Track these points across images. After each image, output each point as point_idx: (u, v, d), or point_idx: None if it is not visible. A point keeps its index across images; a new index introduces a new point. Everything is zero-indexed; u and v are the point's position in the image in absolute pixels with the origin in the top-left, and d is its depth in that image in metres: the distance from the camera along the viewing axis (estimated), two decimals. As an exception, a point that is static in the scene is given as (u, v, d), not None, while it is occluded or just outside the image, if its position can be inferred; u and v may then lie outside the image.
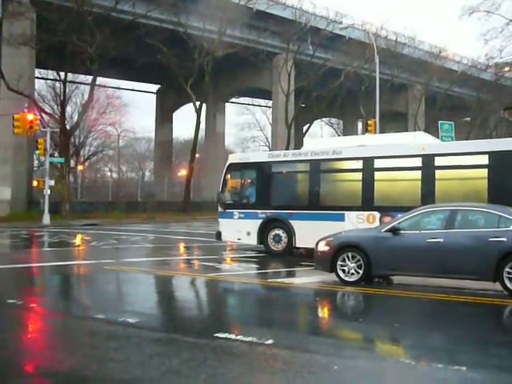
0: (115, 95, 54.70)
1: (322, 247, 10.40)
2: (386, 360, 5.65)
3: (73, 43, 30.97)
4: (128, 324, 6.75)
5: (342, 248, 10.14)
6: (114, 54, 33.57)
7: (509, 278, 8.76)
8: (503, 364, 5.51)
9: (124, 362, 5.29)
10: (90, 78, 37.49)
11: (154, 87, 57.54)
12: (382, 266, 9.83)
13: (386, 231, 9.86)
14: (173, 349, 5.81)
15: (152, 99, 58.09)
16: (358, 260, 9.90)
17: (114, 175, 68.54)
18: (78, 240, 20.63)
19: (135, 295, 9.63)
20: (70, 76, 39.31)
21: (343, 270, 10.05)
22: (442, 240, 9.24)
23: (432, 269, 9.43)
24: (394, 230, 9.72)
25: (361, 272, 9.89)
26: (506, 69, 44.60)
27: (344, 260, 10.04)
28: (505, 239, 8.83)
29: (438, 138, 20.72)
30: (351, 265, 9.97)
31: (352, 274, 9.97)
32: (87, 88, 40.15)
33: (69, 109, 44.88)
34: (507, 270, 8.75)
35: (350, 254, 10.00)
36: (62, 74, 35.59)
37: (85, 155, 58.92)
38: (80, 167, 53.43)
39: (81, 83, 46.32)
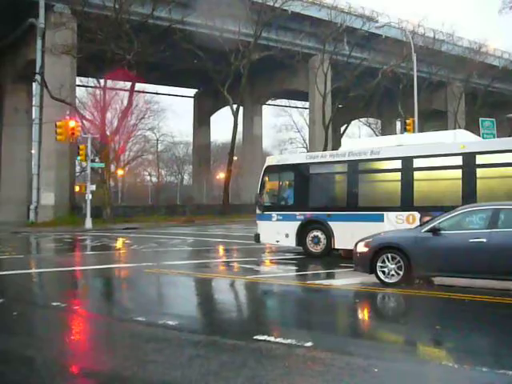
0: (153, 100, 55.80)
1: (361, 248, 10.30)
2: (427, 363, 5.54)
3: (112, 51, 31.67)
4: (168, 326, 6.83)
5: (382, 249, 10.01)
6: (152, 60, 34.17)
7: None
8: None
9: (164, 364, 5.36)
10: (128, 85, 38.18)
11: (192, 91, 58.27)
12: (423, 267, 9.65)
13: (426, 231, 9.68)
14: (212, 351, 5.84)
15: (190, 103, 58.81)
16: (398, 261, 9.76)
17: (154, 179, 69.65)
18: (119, 243, 21.01)
19: (175, 298, 9.74)
20: (110, 83, 40.14)
21: (383, 272, 9.93)
22: (485, 240, 9.01)
23: (475, 269, 9.19)
24: (435, 230, 9.54)
25: (401, 273, 9.75)
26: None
27: (384, 261, 9.91)
28: None
29: (479, 135, 20.23)
30: (391, 266, 9.84)
31: (392, 275, 9.84)
32: (126, 94, 40.87)
33: (109, 115, 45.70)
34: None
35: (389, 255, 9.87)
36: (102, 81, 36.40)
37: (125, 160, 60.00)
38: (120, 172, 54.39)
39: (120, 89, 47.20)
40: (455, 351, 5.96)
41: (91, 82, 45.71)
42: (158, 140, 62.72)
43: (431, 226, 9.72)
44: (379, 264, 9.95)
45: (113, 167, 47.69)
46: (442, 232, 9.49)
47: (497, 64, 51.48)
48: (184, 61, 39.38)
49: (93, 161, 34.01)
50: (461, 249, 9.26)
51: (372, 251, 10.05)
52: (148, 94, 54.17)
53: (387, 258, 9.89)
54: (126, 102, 39.55)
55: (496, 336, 6.66)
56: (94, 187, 32.35)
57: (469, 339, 6.49)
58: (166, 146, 68.63)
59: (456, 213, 9.80)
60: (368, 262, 10.06)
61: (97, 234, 26.20)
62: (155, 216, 37.97)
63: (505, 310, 8.15)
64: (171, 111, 76.22)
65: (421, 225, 10.55)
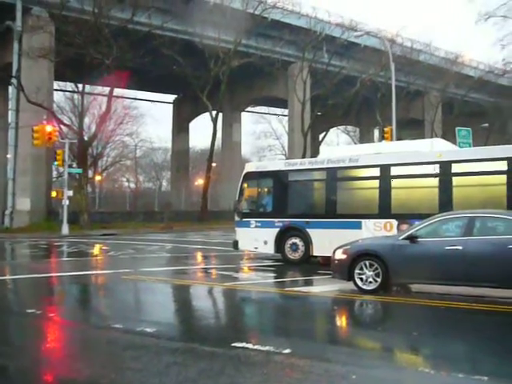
0: (132, 106, 55.33)
1: (339, 255, 10.34)
2: (405, 369, 5.58)
3: (90, 55, 31.41)
4: (146, 333, 6.77)
5: (360, 256, 10.06)
6: (131, 66, 33.96)
7: None
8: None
9: (141, 372, 5.30)
10: (107, 90, 37.91)
11: (171, 97, 58.03)
12: (400, 274, 9.73)
13: (403, 239, 9.77)
14: (190, 358, 5.81)
15: (169, 109, 58.59)
16: (376, 268, 9.82)
17: (132, 185, 69.13)
18: (96, 250, 20.78)
19: (153, 305, 9.66)
20: (88, 87, 39.82)
21: (361, 279, 9.98)
22: (461, 247, 9.12)
23: (451, 277, 9.31)
24: (412, 238, 9.62)
25: (379, 280, 9.81)
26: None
27: (362, 268, 9.96)
28: None
29: (456, 144, 20.54)
30: (369, 273, 9.90)
31: (370, 282, 9.90)
32: (105, 99, 40.53)
33: (87, 120, 45.43)
34: None
35: (367, 263, 9.92)
36: (80, 85, 36.10)
37: (103, 166, 59.48)
38: (98, 178, 53.89)
39: (98, 94, 46.80)
40: (432, 358, 6.01)
41: (69, 86, 45.25)
42: (136, 146, 62.35)
43: (408, 233, 9.82)
44: (357, 271, 9.99)
45: (90, 173, 47.22)
46: (419, 239, 9.57)
47: (473, 74, 52.37)
48: (163, 67, 39.28)
49: (70, 166, 33.58)
50: (437, 256, 9.36)
51: (350, 258, 10.10)
52: (127, 100, 53.82)
53: (365, 265, 9.93)
54: (104, 107, 39.23)
55: (471, 342, 6.75)
56: (71, 193, 31.99)
57: (445, 345, 6.55)
58: (145, 151, 68.27)
59: (433, 220, 9.91)
60: (346, 269, 10.09)
61: (73, 240, 25.89)
62: (133, 222, 37.68)
63: (480, 316, 8.26)
64: (150, 117, 76.07)
65: (398, 232, 10.64)
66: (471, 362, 5.70)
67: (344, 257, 10.22)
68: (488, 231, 9.33)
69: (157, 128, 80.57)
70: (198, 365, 5.51)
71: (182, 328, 7.92)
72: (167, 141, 63.32)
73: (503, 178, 12.46)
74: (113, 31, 32.16)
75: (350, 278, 10.08)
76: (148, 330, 6.92)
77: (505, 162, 12.50)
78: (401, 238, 9.88)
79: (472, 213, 9.72)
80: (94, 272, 14.01)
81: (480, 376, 5.07)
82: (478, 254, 9.04)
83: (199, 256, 19.15)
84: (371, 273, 9.88)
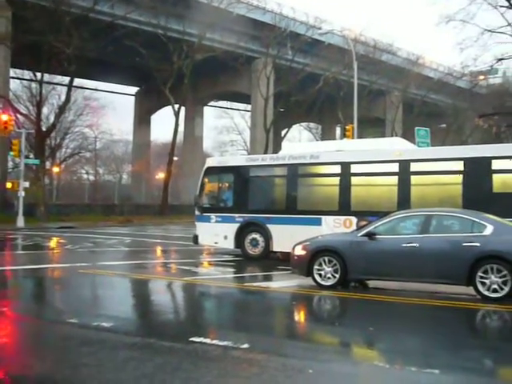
0: (93, 97, 54.27)
1: (299, 251, 10.41)
2: (360, 363, 5.68)
3: (49, 43, 30.61)
4: (102, 328, 6.67)
5: (319, 252, 10.15)
6: (93, 56, 33.36)
7: (481, 283, 8.89)
8: (475, 367, 5.58)
9: (97, 367, 5.22)
10: (67, 79, 37.09)
11: (133, 89, 57.27)
12: (358, 271, 9.88)
13: (362, 236, 9.92)
14: (147, 353, 5.74)
15: (131, 102, 57.80)
16: (335, 264, 9.93)
17: (91, 178, 67.90)
18: (52, 243, 20.34)
19: (110, 299, 9.52)
20: (47, 76, 38.88)
21: (320, 274, 10.06)
22: (417, 245, 9.32)
23: (407, 273, 9.51)
24: (370, 235, 9.77)
25: (337, 276, 9.92)
26: (481, 77, 45.32)
27: (321, 264, 10.05)
28: (478, 244, 8.95)
29: (415, 143, 20.94)
30: (328, 269, 9.99)
31: (328, 278, 9.99)
32: (64, 89, 39.68)
33: (45, 110, 44.26)
34: (480, 274, 8.87)
35: (326, 259, 10.02)
36: (39, 74, 35.17)
37: (61, 157, 58.22)
38: (56, 169, 52.70)
39: (58, 84, 45.74)
40: (387, 352, 6.13)
41: (27, 74, 44.00)
42: (96, 137, 61.19)
43: (367, 230, 9.96)
44: (316, 267, 10.07)
45: (48, 164, 46.16)
46: (378, 236, 9.73)
47: (433, 76, 53.51)
48: (126, 58, 38.75)
49: (27, 157, 32.76)
50: (394, 253, 9.53)
51: (309, 254, 10.18)
52: (87, 90, 52.78)
53: (324, 261, 10.03)
54: (63, 97, 38.40)
55: (425, 337, 6.90)
56: (27, 184, 31.18)
57: (400, 340, 6.69)
58: (105, 143, 67.02)
59: (391, 218, 10.08)
60: (305, 265, 10.17)
61: (29, 232, 25.26)
62: (92, 215, 37.05)
63: (434, 311, 8.46)
64: (111, 108, 74.37)
65: (357, 229, 10.78)
66: (424, 356, 5.82)
67: (303, 253, 10.29)
68: (444, 229, 9.56)
69: (118, 120, 79.49)
70: (155, 360, 5.46)
71: (140, 323, 7.84)
72: (128, 133, 62.53)
73: (459, 178, 12.78)
74: (74, 19, 31.42)
75: (309, 273, 10.16)
76: (105, 324, 6.82)
77: (461, 163, 12.83)
78: (359, 234, 10.02)
79: (429, 211, 9.96)
80: (49, 266, 13.71)
81: (432, 369, 5.20)
82: (433, 252, 9.25)
83: (159, 250, 18.99)
84: (330, 269, 9.97)
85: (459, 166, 12.88)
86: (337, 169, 14.26)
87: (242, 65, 42.05)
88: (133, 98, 57.35)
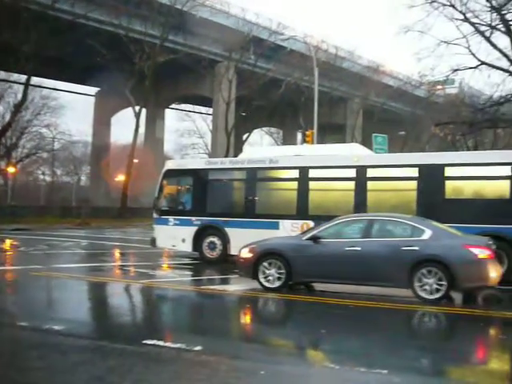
0: (51, 96, 53.17)
1: (245, 254, 10.50)
2: (311, 365, 5.78)
3: (6, 40, 29.82)
4: (53, 331, 6.56)
5: (264, 255, 10.26)
6: (52, 54, 32.70)
7: (419, 285, 9.19)
8: (418, 366, 5.76)
9: (46, 370, 5.15)
10: (24, 77, 36.24)
11: (93, 90, 56.33)
12: (303, 273, 10.04)
13: (306, 239, 10.11)
14: (99, 356, 5.70)
15: (90, 102, 56.85)
16: (280, 267, 10.06)
17: (48, 179, 66.45)
18: (5, 245, 19.78)
19: (63, 302, 9.38)
20: (3, 74, 37.91)
21: (265, 277, 10.16)
22: (359, 248, 9.58)
23: (350, 276, 9.74)
24: (315, 239, 9.97)
25: (282, 279, 10.04)
26: (439, 87, 46.48)
27: (266, 267, 10.15)
28: (417, 248, 9.28)
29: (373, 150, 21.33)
30: (273, 272, 10.10)
31: (273, 280, 10.10)
32: (21, 87, 38.74)
33: (0, 108, 43.17)
34: (418, 277, 9.18)
35: (271, 261, 10.13)
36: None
37: (17, 157, 56.76)
38: (11, 169, 51.33)
39: (14, 82, 44.62)
40: (337, 353, 6.22)
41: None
42: (54, 138, 59.90)
43: (311, 234, 10.18)
44: (262, 269, 10.17)
45: (3, 164, 44.96)
46: (322, 240, 9.92)
47: (392, 84, 54.52)
48: (86, 57, 38.08)
49: (-19, 156, 31.87)
50: (337, 256, 9.76)
51: (255, 257, 10.28)
52: (46, 89, 51.66)
53: (269, 264, 10.14)
54: (20, 96, 37.49)
55: (372, 338, 7.04)
56: (-20, 184, 30.31)
57: (342, 341, 6.84)
58: (63, 144, 65.64)
59: (335, 222, 10.33)
60: (251, 268, 10.26)
61: (-19, 234, 24.53)
62: (48, 217, 36.20)
63: (375, 313, 8.63)
64: (70, 109, 72.70)
65: (303, 233, 10.90)
66: (372, 357, 5.95)
67: (250, 255, 10.38)
68: (385, 233, 9.87)
69: (77, 121, 77.82)
70: (107, 362, 5.42)
71: (93, 326, 7.76)
72: (88, 134, 61.44)
73: (414, 184, 13.11)
74: (32, 16, 30.72)
75: (255, 276, 10.23)
76: (56, 327, 6.70)
77: (416, 169, 13.16)
78: (304, 238, 10.22)
79: (371, 216, 10.36)
80: (0, 268, 13.35)
81: (380, 370, 5.32)
82: (374, 255, 9.52)
83: (116, 253, 18.74)
84: (275, 271, 10.08)
85: (414, 172, 13.21)
86: (295, 173, 14.40)
87: (204, 68, 41.95)
88: (93, 98, 56.47)
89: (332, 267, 9.76)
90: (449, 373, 5.79)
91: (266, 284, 10.10)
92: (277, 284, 10.03)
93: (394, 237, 9.72)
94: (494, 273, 9.14)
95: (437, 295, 9.06)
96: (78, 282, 11.59)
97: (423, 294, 9.12)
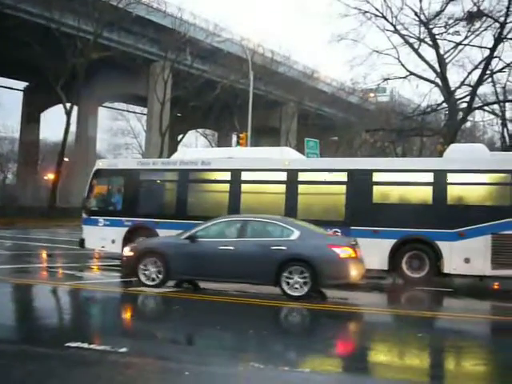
0: (-24, 90, 50.75)
1: (128, 252, 10.82)
2: (236, 364, 5.81)
3: None
4: (-31, 336, 6.31)
5: (145, 254, 10.56)
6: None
7: (286, 283, 9.69)
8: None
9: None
10: None
11: (22, 84, 54.18)
12: (180, 271, 10.37)
13: (184, 238, 10.43)
14: (18, 360, 5.54)
15: (18, 97, 54.64)
16: (158, 265, 10.34)
17: (-29, 176, 63.35)
18: None
19: (-18, 305, 8.98)
20: None
21: (144, 274, 10.39)
22: (232, 248, 10.03)
23: (223, 274, 10.17)
24: (192, 238, 10.33)
25: (161, 277, 10.32)
26: (371, 95, 48.00)
27: (146, 265, 10.41)
28: (284, 248, 9.83)
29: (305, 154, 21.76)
30: (152, 270, 10.39)
31: (153, 278, 10.38)
32: None
33: None
34: (285, 275, 9.68)
35: (151, 260, 10.40)
36: None
37: None
38: None
39: None
40: (260, 353, 6.33)
41: None
42: (-21, 133, 57.25)
43: (189, 233, 10.51)
44: (141, 267, 10.42)
45: None
46: (198, 239, 10.30)
47: (326, 90, 55.71)
48: (15, 50, 36.59)
49: None
50: (211, 255, 10.18)
51: (136, 255, 10.56)
52: (-30, 83, 49.26)
53: (149, 262, 10.40)
54: None
55: (287, 338, 7.22)
56: None
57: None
58: (-12, 140, 62.90)
59: (211, 222, 10.76)
60: (132, 266, 10.53)
61: None
62: (-30, 216, 34.51)
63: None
64: (-3, 103, 69.60)
65: (182, 232, 11.10)
66: (297, 356, 6.11)
67: (131, 254, 10.68)
68: (257, 234, 10.35)
69: (4, 116, 74.62)
70: (27, 367, 5.28)
71: (14, 329, 7.50)
72: (15, 131, 59.02)
73: (343, 188, 13.49)
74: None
75: (136, 274, 10.45)
76: (-28, 332, 6.45)
77: (345, 174, 13.56)
78: (182, 237, 10.54)
79: (246, 217, 10.94)
80: None
81: (303, 369, 5.47)
82: (245, 254, 9.98)
83: (43, 254, 18.14)
84: (154, 269, 10.36)
85: (343, 176, 13.60)
86: (227, 175, 14.48)
87: (139, 67, 41.35)
88: (21, 93, 54.30)
89: (206, 265, 10.19)
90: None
91: (146, 281, 10.39)
92: (156, 281, 10.33)
93: (266, 237, 10.24)
94: (355, 271, 9.78)
95: (301, 292, 9.61)
96: (0, 285, 11.13)
97: (289, 291, 9.67)
